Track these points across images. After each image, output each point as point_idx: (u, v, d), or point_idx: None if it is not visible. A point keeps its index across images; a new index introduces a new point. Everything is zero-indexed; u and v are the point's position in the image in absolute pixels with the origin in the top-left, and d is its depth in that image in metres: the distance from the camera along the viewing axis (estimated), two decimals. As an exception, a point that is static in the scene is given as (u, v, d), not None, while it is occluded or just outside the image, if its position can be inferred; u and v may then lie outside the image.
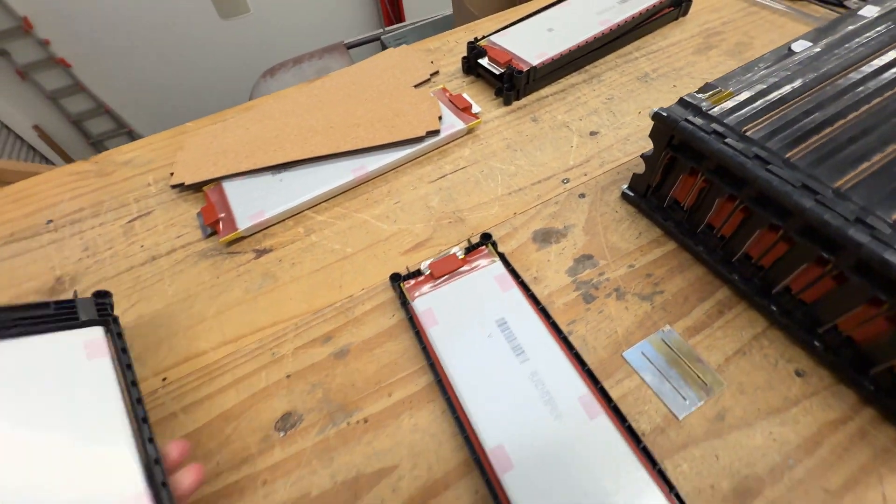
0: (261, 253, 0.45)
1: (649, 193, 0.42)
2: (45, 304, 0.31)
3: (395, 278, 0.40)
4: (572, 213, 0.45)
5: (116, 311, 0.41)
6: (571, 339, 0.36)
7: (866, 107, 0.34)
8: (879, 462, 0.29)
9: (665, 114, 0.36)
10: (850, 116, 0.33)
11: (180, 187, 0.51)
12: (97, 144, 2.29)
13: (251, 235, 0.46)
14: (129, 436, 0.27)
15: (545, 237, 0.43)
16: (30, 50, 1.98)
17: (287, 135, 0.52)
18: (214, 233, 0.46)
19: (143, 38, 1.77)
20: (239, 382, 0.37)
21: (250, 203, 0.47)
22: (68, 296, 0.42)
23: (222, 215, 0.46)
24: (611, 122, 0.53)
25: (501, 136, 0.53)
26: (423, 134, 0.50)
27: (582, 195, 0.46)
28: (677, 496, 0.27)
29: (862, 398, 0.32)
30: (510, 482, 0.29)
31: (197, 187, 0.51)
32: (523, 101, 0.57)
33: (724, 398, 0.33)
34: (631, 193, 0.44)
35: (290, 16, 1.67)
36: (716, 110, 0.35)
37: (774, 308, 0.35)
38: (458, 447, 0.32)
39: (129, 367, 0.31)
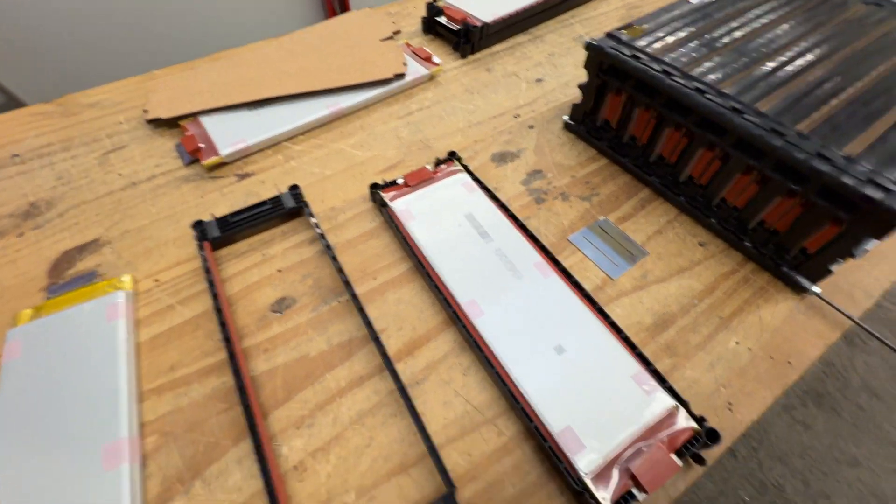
0: (243, 176, 0.48)
1: (585, 119, 0.50)
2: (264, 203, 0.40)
3: (375, 187, 0.45)
4: (523, 140, 0.52)
5: (99, 230, 0.43)
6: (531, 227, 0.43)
7: (740, 32, 0.44)
8: (758, 297, 0.39)
9: (596, 43, 0.44)
10: (729, 38, 0.43)
11: (155, 123, 0.52)
12: None
13: (232, 162, 0.49)
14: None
15: (502, 158, 0.50)
16: None
17: (261, 77, 0.56)
18: (195, 161, 0.49)
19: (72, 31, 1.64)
20: (232, 279, 0.40)
21: (230, 133, 0.50)
22: (50, 217, 0.44)
23: (202, 145, 0.49)
24: (553, 73, 0.61)
25: (460, 82, 0.60)
26: (391, 76, 0.56)
27: (531, 126, 0.54)
28: (613, 324, 0.35)
29: (745, 256, 0.41)
30: (482, 325, 0.35)
31: (172, 123, 0.53)
32: (477, 55, 0.64)
33: (647, 263, 0.41)
34: (571, 122, 0.52)
35: (212, 9, 1.52)
36: (632, 40, 0.44)
37: (682, 198, 0.44)
38: (436, 313, 0.38)
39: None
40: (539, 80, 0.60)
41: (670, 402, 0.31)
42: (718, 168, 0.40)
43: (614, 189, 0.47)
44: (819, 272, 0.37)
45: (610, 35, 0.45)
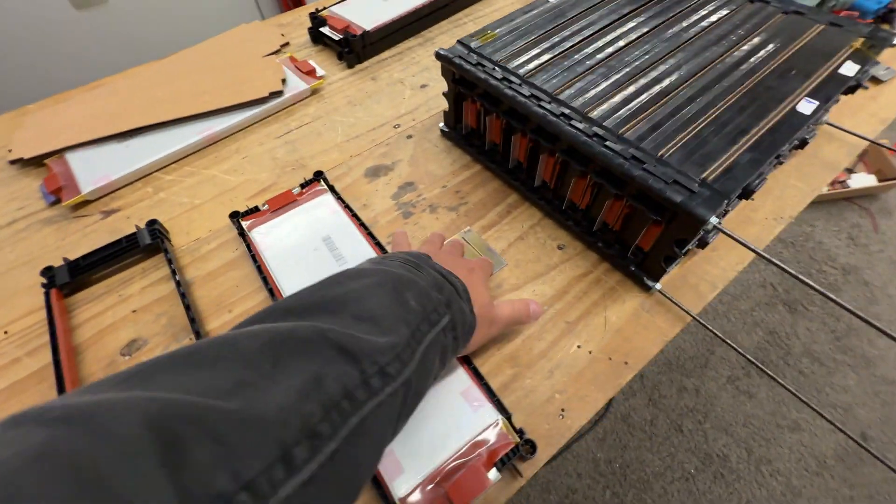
0: (108, 213, 0.47)
1: (456, 126, 0.50)
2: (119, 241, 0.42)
3: (234, 215, 0.44)
4: (400, 151, 0.52)
5: (-46, 282, 0.42)
6: (389, 247, 0.43)
7: (580, 36, 0.44)
8: (606, 298, 0.39)
9: (444, 52, 0.43)
10: (574, 41, 0.43)
11: (20, 163, 0.51)
12: None
13: (98, 199, 0.48)
14: None
15: (375, 172, 0.50)
16: None
17: (132, 106, 0.54)
18: (58, 200, 0.48)
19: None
20: (84, 324, 0.39)
21: (95, 169, 0.49)
22: None
23: (65, 183, 0.48)
24: (439, 77, 0.60)
25: (344, 94, 0.59)
26: (267, 95, 0.55)
27: (409, 136, 0.54)
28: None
29: (600, 257, 0.42)
30: (323, 353, 0.35)
31: (38, 161, 0.51)
32: (365, 63, 0.63)
33: (504, 273, 0.41)
34: (446, 129, 0.52)
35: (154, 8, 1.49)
36: (480, 46, 0.44)
37: (542, 202, 0.44)
38: (288, 341, 0.38)
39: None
40: (423, 86, 0.59)
41: (494, 416, 0.32)
42: (560, 173, 0.40)
43: (483, 196, 0.47)
44: (657, 269, 0.37)
45: (461, 42, 0.45)
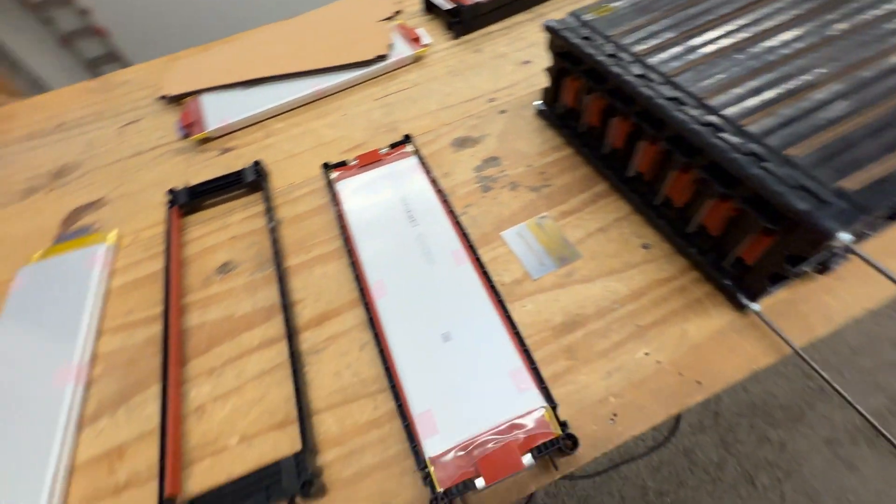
0: (224, 151, 0.53)
1: (554, 105, 0.48)
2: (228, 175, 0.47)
3: (326, 166, 0.47)
4: (490, 125, 0.51)
5: (105, 191, 0.51)
6: (463, 218, 0.43)
7: (712, 15, 0.38)
8: (689, 309, 0.35)
9: (552, 23, 0.41)
10: (702, 21, 0.38)
11: (166, 99, 0.59)
12: None
13: (219, 137, 0.55)
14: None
15: (462, 143, 0.50)
16: (71, 18, 2.12)
17: (258, 58, 0.60)
18: (188, 135, 0.55)
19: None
20: (193, 241, 0.45)
21: (221, 111, 0.55)
22: (72, 177, 0.52)
23: (195, 120, 0.55)
24: (544, 54, 0.58)
25: (445, 63, 0.59)
26: (373, 58, 0.57)
27: (503, 111, 0.52)
28: (509, 318, 0.34)
29: (690, 264, 0.37)
30: (383, 305, 0.36)
31: (179, 99, 0.59)
32: (472, 35, 0.63)
33: (577, 264, 0.39)
34: (543, 107, 0.50)
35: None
36: (594, 19, 0.40)
37: (635, 195, 0.40)
38: (352, 290, 0.40)
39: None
40: (526, 62, 0.57)
41: (539, 402, 0.30)
42: (661, 164, 0.36)
43: (569, 181, 0.45)
44: (758, 288, 0.32)
45: (573, 14, 0.42)
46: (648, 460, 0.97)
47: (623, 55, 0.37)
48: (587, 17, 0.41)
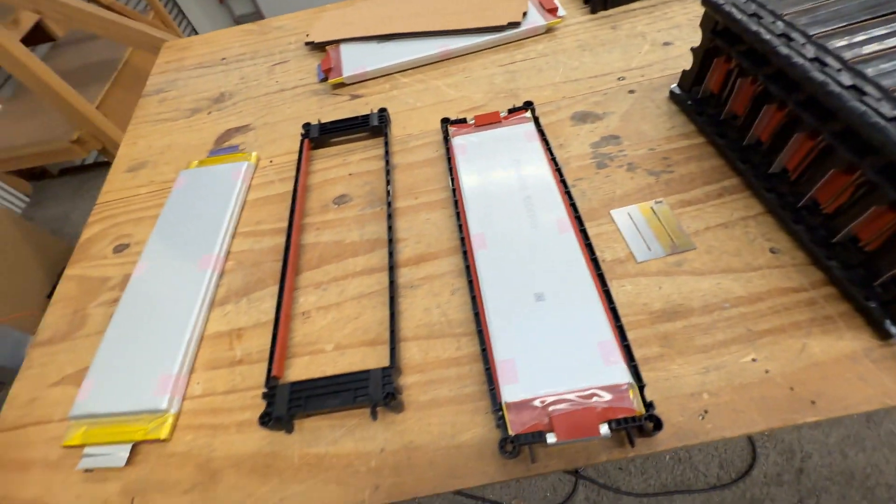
0: (354, 97, 0.58)
1: (692, 89, 0.45)
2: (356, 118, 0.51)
3: (444, 121, 0.49)
4: (615, 104, 0.49)
5: (251, 118, 0.58)
6: (573, 190, 0.42)
7: None
8: (816, 325, 0.32)
9: (714, -3, 0.38)
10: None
11: (311, 45, 0.65)
12: None
13: (352, 84, 0.59)
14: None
15: (582, 118, 0.48)
16: None
17: (395, 15, 0.63)
18: (326, 79, 0.60)
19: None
20: (317, 172, 0.50)
21: (356, 60, 0.59)
22: (227, 104, 0.60)
23: (334, 66, 0.60)
24: (689, 36, 0.54)
25: (577, 37, 0.58)
26: (505, 24, 0.57)
27: (631, 91, 0.50)
28: (606, 292, 0.34)
29: (825, 278, 0.33)
30: (481, 256, 0.37)
31: (322, 47, 0.65)
32: (610, 11, 0.60)
33: (689, 255, 0.37)
34: (678, 91, 0.46)
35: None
36: (766, -4, 0.37)
37: (771, 195, 0.37)
38: (452, 239, 0.41)
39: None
40: (666, 44, 0.54)
41: (626, 378, 0.30)
42: (816, 159, 0.32)
43: (694, 170, 0.42)
44: (914, 316, 0.28)
45: (740, -11, 0.38)
46: (707, 498, 0.90)
47: (795, 34, 0.33)
48: (758, -8, 0.37)
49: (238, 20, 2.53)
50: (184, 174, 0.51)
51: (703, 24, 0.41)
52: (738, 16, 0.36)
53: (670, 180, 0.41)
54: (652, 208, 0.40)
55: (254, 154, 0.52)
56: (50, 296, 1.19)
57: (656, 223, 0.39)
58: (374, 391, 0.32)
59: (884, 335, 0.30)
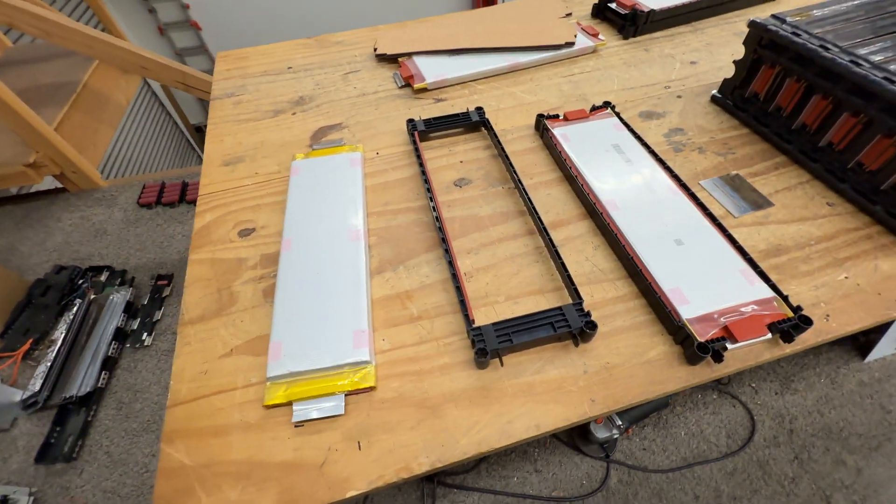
0: (438, 100, 0.64)
1: (734, 92, 0.57)
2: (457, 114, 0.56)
3: (540, 116, 0.57)
4: (670, 105, 0.60)
5: (341, 118, 0.62)
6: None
7: (913, 29, 0.47)
8: (878, 251, 0.42)
9: (759, 20, 0.51)
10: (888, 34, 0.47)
11: (379, 58, 0.71)
12: (206, 104, 2.74)
13: (433, 90, 0.65)
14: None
15: (648, 115, 0.59)
16: (172, 11, 2.43)
17: (459, 34, 0.72)
18: (407, 85, 0.66)
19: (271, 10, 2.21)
20: (426, 161, 0.55)
21: (434, 69, 0.66)
22: (310, 106, 0.63)
23: (413, 74, 0.66)
24: (708, 58, 0.68)
25: (620, 57, 0.70)
26: (563, 43, 0.68)
27: (679, 96, 0.61)
28: (729, 235, 0.42)
29: (873, 220, 0.45)
30: (617, 217, 0.44)
31: (389, 60, 0.71)
32: (639, 38, 0.73)
33: (770, 210, 0.47)
34: (719, 95, 0.59)
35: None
36: (797, 21, 0.50)
37: (818, 164, 0.48)
38: (577, 207, 0.48)
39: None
40: (693, 63, 0.67)
41: (770, 293, 0.38)
42: (860, 132, 0.44)
43: (750, 152, 0.53)
44: (950, 234, 0.39)
45: (774, 16, 0.51)
46: (723, 465, 1.00)
47: (829, 45, 0.46)
48: (791, 19, 0.50)
49: (180, 53, 2.53)
50: (298, 163, 0.53)
51: (746, 42, 0.53)
52: (784, 33, 0.48)
53: (735, 159, 0.52)
54: (731, 177, 0.50)
55: (360, 147, 0.56)
56: (4, 334, 1.06)
57: (737, 187, 0.49)
58: (573, 321, 0.36)
59: (926, 253, 0.41)
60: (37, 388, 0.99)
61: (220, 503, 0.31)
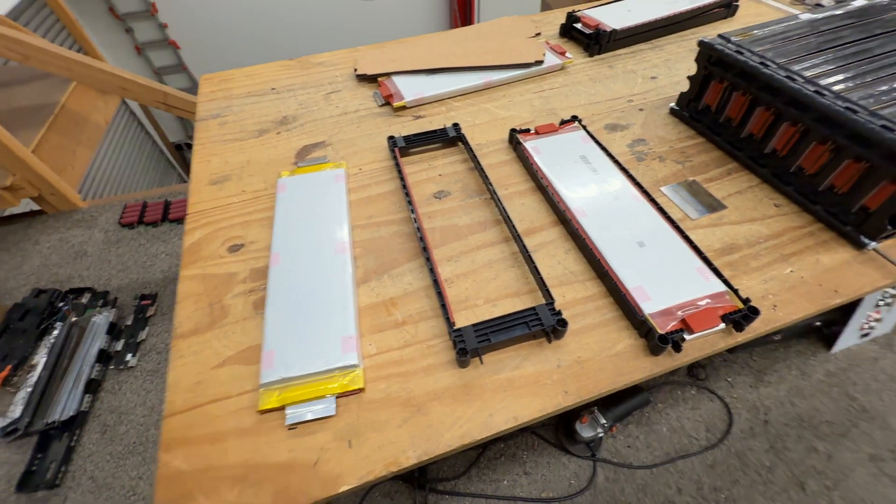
0: (417, 117, 0.67)
1: (689, 105, 0.62)
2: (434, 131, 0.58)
3: (513, 130, 0.60)
4: (633, 118, 0.65)
5: (324, 136, 0.64)
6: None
7: (842, 40, 0.53)
8: (819, 246, 0.47)
9: (708, 40, 0.56)
10: (827, 42, 0.52)
11: (361, 77, 0.74)
12: (184, 119, 2.74)
13: (411, 107, 0.69)
14: (377, 154, 0.49)
15: (613, 127, 0.63)
16: (150, 30, 2.45)
17: (434, 54, 0.76)
18: (387, 103, 0.69)
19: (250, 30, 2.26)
20: (407, 175, 0.58)
21: (413, 88, 0.70)
22: (294, 125, 0.66)
23: (393, 93, 0.69)
24: (667, 73, 0.73)
25: (586, 73, 0.74)
26: (533, 61, 0.72)
27: (641, 109, 0.66)
28: (686, 237, 0.46)
29: (814, 219, 0.49)
30: (585, 223, 0.48)
31: (370, 80, 0.74)
32: (603, 55, 0.78)
33: (724, 213, 0.51)
34: (676, 108, 0.63)
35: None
36: (741, 40, 0.55)
37: (765, 169, 0.53)
38: (549, 216, 0.52)
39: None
40: (653, 77, 0.72)
41: (722, 287, 0.41)
42: (798, 139, 0.49)
43: (706, 159, 0.58)
44: (877, 229, 0.44)
45: (721, 36, 0.56)
46: (703, 458, 1.04)
47: (769, 63, 0.51)
48: (735, 38, 0.55)
49: (158, 72, 2.54)
50: (283, 180, 0.56)
51: (698, 59, 0.58)
52: (728, 51, 0.53)
53: (692, 166, 0.57)
54: (688, 184, 0.54)
55: (343, 163, 0.59)
56: None
57: (694, 192, 0.53)
58: (546, 320, 0.39)
59: (860, 246, 0.46)
60: (17, 414, 0.97)
61: (218, 505, 0.32)
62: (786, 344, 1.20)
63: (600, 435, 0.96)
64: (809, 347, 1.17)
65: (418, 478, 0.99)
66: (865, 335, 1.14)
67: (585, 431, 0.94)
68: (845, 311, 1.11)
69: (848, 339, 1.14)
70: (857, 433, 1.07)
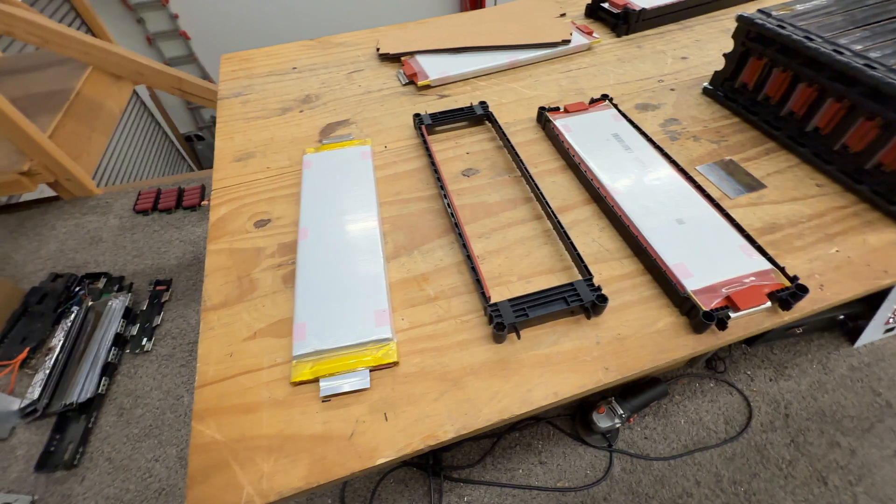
0: (441, 96, 0.66)
1: (724, 84, 0.60)
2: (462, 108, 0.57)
3: (542, 109, 0.59)
4: (664, 97, 0.63)
5: (348, 114, 0.63)
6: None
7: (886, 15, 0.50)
8: (865, 226, 0.45)
9: (747, 14, 0.54)
10: (874, 22, 0.50)
11: (383, 57, 0.73)
12: (194, 110, 2.75)
13: (436, 86, 0.68)
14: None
15: (644, 107, 0.62)
16: (161, 21, 2.45)
17: (460, 33, 0.74)
18: (411, 82, 0.68)
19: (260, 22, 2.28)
20: (435, 154, 0.57)
21: (437, 67, 0.68)
22: (317, 104, 0.65)
23: (417, 72, 0.68)
24: (697, 53, 0.71)
25: (613, 53, 0.73)
26: (560, 41, 0.70)
27: (672, 89, 0.64)
28: (727, 215, 0.44)
29: (858, 199, 0.47)
30: (621, 200, 0.47)
31: (394, 58, 0.73)
32: (631, 36, 0.76)
33: (763, 192, 0.49)
34: (710, 87, 0.62)
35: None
36: (782, 14, 0.53)
37: (805, 148, 0.51)
38: (581, 193, 0.50)
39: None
40: (684, 58, 0.70)
41: (768, 266, 0.40)
42: (843, 116, 0.47)
43: (742, 139, 0.56)
44: (930, 208, 0.42)
45: (761, 10, 0.54)
46: (722, 451, 1.02)
47: (814, 37, 0.49)
48: (777, 13, 0.53)
49: (169, 62, 2.55)
50: (309, 157, 0.55)
51: (735, 35, 0.56)
52: (770, 26, 0.51)
53: (728, 146, 0.55)
54: (725, 163, 0.53)
55: (369, 141, 0.58)
56: (0, 343, 1.05)
57: (732, 171, 0.52)
58: (584, 295, 0.38)
59: (910, 227, 0.44)
60: (35, 396, 0.97)
61: (254, 474, 0.32)
62: (807, 338, 1.17)
63: (617, 425, 0.95)
64: (832, 341, 1.15)
65: (433, 465, 0.99)
66: (890, 330, 1.12)
67: (603, 421, 0.93)
68: (870, 305, 1.09)
69: (872, 333, 1.11)
70: (883, 428, 1.05)
